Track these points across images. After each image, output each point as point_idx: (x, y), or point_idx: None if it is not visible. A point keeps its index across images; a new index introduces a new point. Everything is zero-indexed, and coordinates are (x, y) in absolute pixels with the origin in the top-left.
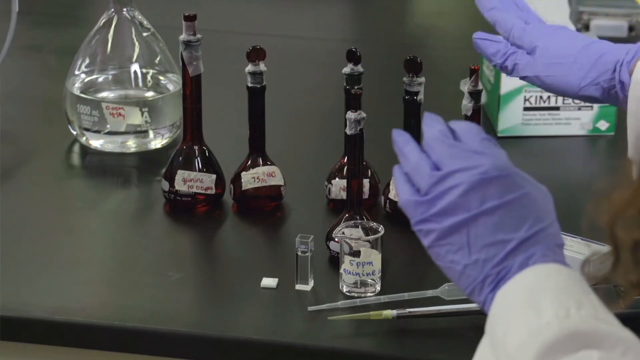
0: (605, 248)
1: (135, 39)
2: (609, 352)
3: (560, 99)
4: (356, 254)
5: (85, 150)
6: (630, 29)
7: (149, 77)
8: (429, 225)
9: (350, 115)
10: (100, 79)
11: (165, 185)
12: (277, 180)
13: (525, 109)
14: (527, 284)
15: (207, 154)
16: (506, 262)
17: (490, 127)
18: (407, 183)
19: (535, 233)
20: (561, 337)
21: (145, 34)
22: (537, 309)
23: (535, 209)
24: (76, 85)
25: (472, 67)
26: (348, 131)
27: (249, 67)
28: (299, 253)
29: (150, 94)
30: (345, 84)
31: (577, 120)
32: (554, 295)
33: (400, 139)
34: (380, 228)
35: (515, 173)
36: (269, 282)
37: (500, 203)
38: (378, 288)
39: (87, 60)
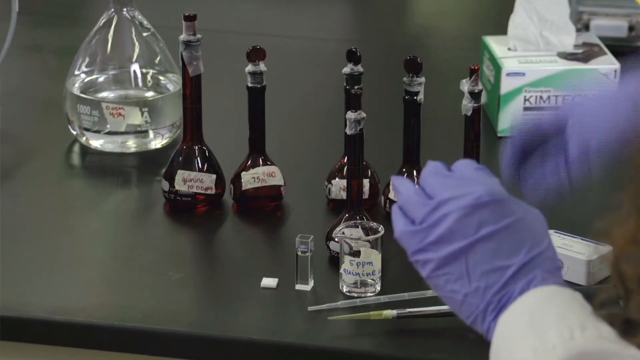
0: (605, 248)
1: (135, 39)
2: None
3: (560, 99)
4: (356, 254)
5: (85, 150)
6: (630, 29)
7: (149, 77)
8: (426, 255)
9: (350, 115)
10: (100, 79)
11: (165, 185)
12: (277, 180)
13: (525, 109)
14: (529, 308)
15: (207, 154)
16: (507, 288)
17: (490, 127)
18: (402, 216)
19: (534, 257)
20: (568, 359)
21: (145, 34)
22: (541, 332)
23: (532, 233)
24: (76, 85)
25: (472, 67)
26: (348, 131)
27: (249, 67)
28: (299, 253)
29: (150, 94)
30: (345, 84)
31: None
32: (556, 317)
33: (397, 179)
34: (380, 228)
35: (509, 198)
36: (269, 282)
37: (496, 228)
38: (378, 288)
39: (87, 60)
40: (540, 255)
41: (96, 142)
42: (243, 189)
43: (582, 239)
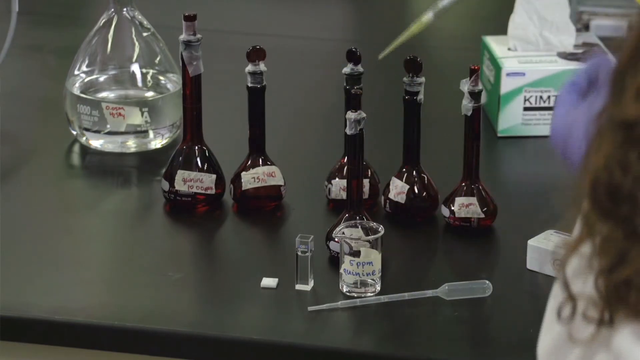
0: None
1: (135, 39)
2: None
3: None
4: (356, 254)
5: (85, 150)
6: None
7: (149, 77)
8: None
9: (350, 115)
10: (100, 79)
11: (165, 185)
12: (277, 180)
13: (525, 109)
14: None
15: (207, 154)
16: None
17: (490, 127)
18: None
19: None
20: None
21: (145, 34)
22: None
23: None
24: (76, 85)
25: (472, 67)
26: (348, 131)
27: (249, 67)
28: (299, 253)
29: (150, 94)
30: (345, 84)
31: None
32: None
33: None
34: (380, 228)
35: None
36: (269, 282)
37: None
38: (378, 288)
39: (87, 60)
40: None
41: (96, 142)
42: (243, 189)
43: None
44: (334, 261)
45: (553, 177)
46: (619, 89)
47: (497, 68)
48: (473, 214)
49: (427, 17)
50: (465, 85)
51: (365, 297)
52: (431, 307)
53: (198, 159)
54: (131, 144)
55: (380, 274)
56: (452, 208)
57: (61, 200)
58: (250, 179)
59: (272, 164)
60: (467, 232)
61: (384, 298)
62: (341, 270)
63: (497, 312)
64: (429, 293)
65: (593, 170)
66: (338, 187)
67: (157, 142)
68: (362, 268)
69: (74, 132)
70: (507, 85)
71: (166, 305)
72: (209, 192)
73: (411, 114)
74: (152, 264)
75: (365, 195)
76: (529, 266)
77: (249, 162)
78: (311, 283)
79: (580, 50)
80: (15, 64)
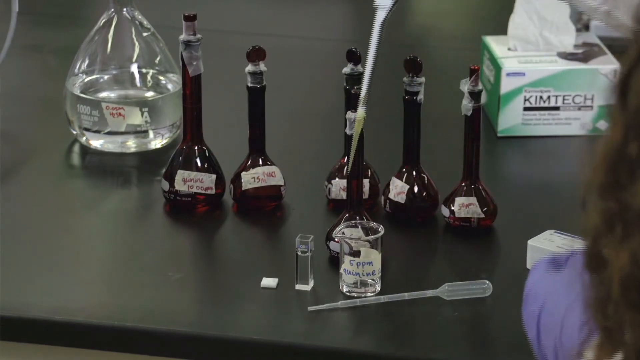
0: None
1: (135, 39)
2: None
3: (560, 99)
4: (356, 254)
5: (85, 150)
6: None
7: (149, 77)
8: None
9: (350, 115)
10: (101, 79)
11: (165, 185)
12: (277, 180)
13: (525, 109)
14: None
15: (207, 154)
16: None
17: (490, 127)
18: None
19: None
20: None
21: (145, 34)
22: None
23: None
24: (76, 85)
25: (472, 67)
26: (348, 131)
27: (249, 67)
28: (299, 253)
29: (150, 94)
30: (345, 84)
31: (577, 120)
32: None
33: None
34: (380, 228)
35: None
36: (269, 282)
37: None
38: (378, 288)
39: (87, 60)
40: None
41: (96, 142)
42: (243, 189)
43: (582, 239)
44: (334, 261)
45: (553, 177)
46: (624, 179)
47: (497, 68)
48: (473, 214)
49: (361, 112)
50: (465, 85)
51: (365, 297)
52: (431, 307)
53: (198, 159)
54: (131, 144)
55: (380, 274)
56: (452, 208)
57: (61, 200)
58: (250, 179)
59: (272, 164)
60: (467, 232)
61: (384, 298)
62: (341, 270)
63: (497, 312)
64: (429, 293)
65: (619, 269)
66: (338, 187)
67: (157, 142)
68: (362, 268)
69: (74, 132)
70: (507, 85)
71: (166, 305)
72: (209, 192)
73: (411, 114)
74: (152, 264)
75: (365, 195)
76: (529, 266)
77: (249, 162)
78: (311, 283)
79: (580, 50)
80: (15, 64)
